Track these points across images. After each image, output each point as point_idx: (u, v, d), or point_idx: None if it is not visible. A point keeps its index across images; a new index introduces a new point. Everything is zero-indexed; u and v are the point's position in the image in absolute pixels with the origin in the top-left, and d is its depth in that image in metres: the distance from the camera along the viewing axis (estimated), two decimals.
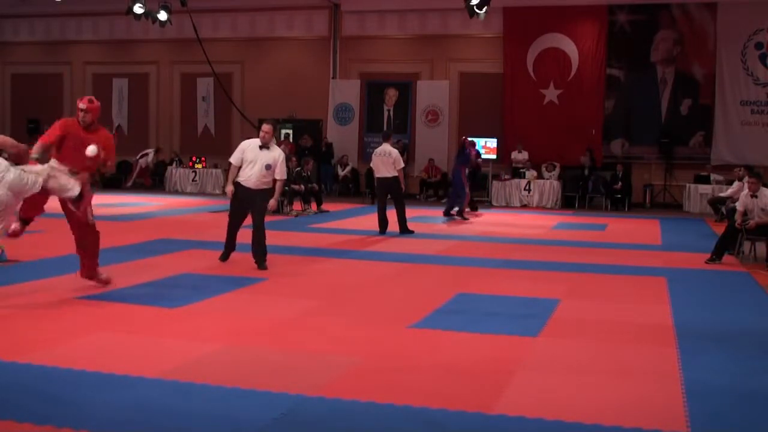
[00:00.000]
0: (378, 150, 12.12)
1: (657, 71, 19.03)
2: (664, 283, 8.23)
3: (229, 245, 8.83)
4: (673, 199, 18.73)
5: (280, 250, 9.37)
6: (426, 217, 14.73)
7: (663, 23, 18.91)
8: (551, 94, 19.56)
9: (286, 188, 15.00)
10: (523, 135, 19.31)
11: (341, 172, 20.62)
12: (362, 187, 20.41)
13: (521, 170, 18.77)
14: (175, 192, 20.37)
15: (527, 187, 18.49)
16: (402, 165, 12.03)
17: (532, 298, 7.30)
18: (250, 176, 8.46)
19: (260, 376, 4.66)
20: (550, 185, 18.48)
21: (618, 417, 4.08)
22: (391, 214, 12.02)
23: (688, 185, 18.21)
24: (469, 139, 15.99)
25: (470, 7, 15.68)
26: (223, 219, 14.09)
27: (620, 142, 19.30)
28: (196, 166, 20.81)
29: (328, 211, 15.49)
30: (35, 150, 6.61)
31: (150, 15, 18.31)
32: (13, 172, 6.08)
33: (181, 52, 22.21)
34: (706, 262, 9.73)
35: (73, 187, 6.41)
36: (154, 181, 21.67)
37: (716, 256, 9.81)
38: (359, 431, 3.90)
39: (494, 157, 19.21)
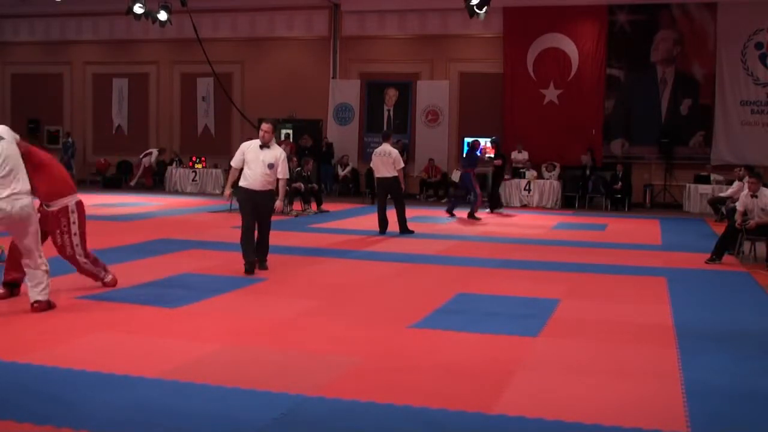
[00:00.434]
0: (378, 150, 12.11)
1: (657, 71, 19.02)
2: (664, 283, 8.23)
3: (249, 254, 8.30)
4: (673, 199, 18.73)
5: (280, 250, 9.37)
6: (426, 217, 14.73)
7: (663, 23, 18.91)
8: (551, 94, 19.56)
9: (287, 188, 15.03)
10: (523, 135, 19.31)
11: (341, 172, 20.62)
12: (362, 187, 20.41)
13: (521, 170, 18.77)
14: (175, 192, 20.37)
15: (527, 187, 18.49)
16: (402, 165, 12.02)
17: (532, 298, 7.30)
18: (254, 178, 8.26)
19: (260, 376, 4.66)
20: (550, 185, 18.48)
21: (618, 417, 4.08)
22: (391, 214, 12.02)
23: (688, 185, 18.20)
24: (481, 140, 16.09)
25: (470, 7, 15.68)
26: (223, 219, 14.20)
27: (620, 142, 19.30)
28: (196, 166, 20.81)
29: (328, 211, 15.49)
30: None
31: (150, 15, 18.30)
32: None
33: (181, 52, 22.21)
34: (706, 262, 9.73)
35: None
36: (154, 181, 21.67)
37: (716, 256, 9.81)
38: (359, 431, 3.90)
39: (493, 156, 19.15)
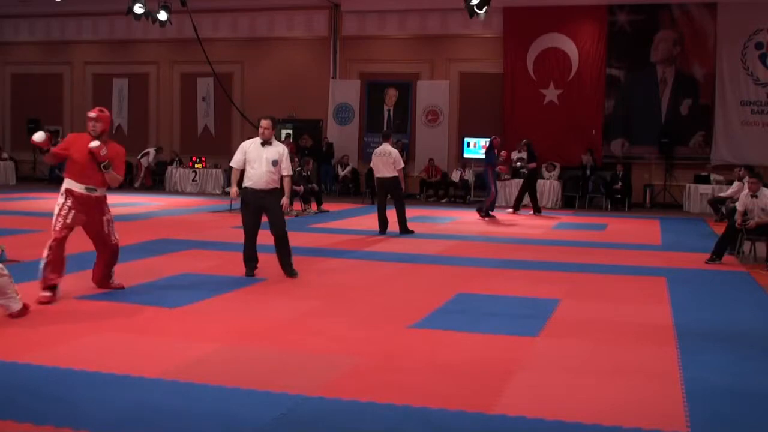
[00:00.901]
0: (378, 150, 12.11)
1: (657, 71, 19.03)
2: (664, 283, 8.23)
3: (250, 259, 8.20)
4: (673, 199, 18.73)
5: None
6: (426, 217, 14.73)
7: (663, 23, 18.91)
8: (551, 94, 19.56)
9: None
10: (523, 135, 19.30)
11: (341, 172, 20.62)
12: (362, 187, 20.40)
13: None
14: (175, 192, 20.38)
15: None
16: (402, 165, 12.02)
17: (532, 298, 7.30)
18: (259, 177, 7.97)
19: (260, 376, 4.66)
20: (550, 185, 18.48)
21: (618, 417, 4.08)
22: (391, 214, 12.02)
23: (688, 185, 18.21)
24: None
25: (470, 7, 15.68)
26: (224, 219, 14.20)
27: (620, 142, 19.30)
28: (196, 166, 20.81)
29: (328, 211, 15.49)
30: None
31: (150, 15, 18.31)
32: None
33: (181, 52, 22.22)
34: (706, 262, 9.73)
35: (12, 301, 5.91)
36: (154, 181, 21.67)
37: (716, 256, 9.81)
38: (359, 431, 3.90)
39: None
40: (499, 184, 18.67)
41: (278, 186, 8.19)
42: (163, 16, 18.49)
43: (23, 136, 23.59)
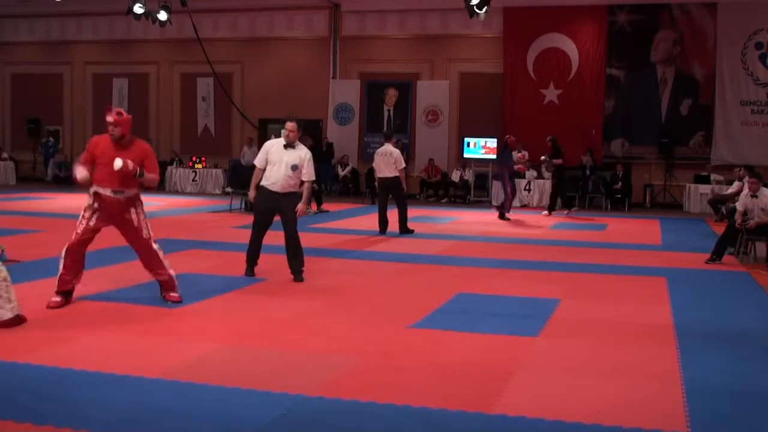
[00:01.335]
0: (380, 150, 12.12)
1: (657, 71, 19.04)
2: (664, 283, 8.23)
3: (253, 258, 8.13)
4: (673, 199, 18.74)
5: (280, 251, 9.35)
6: (426, 217, 14.73)
7: (663, 23, 18.92)
8: (551, 94, 19.57)
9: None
10: (523, 135, 19.30)
11: (341, 172, 20.63)
12: (362, 187, 20.41)
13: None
14: (175, 192, 20.38)
15: (527, 187, 18.50)
16: (403, 165, 12.01)
17: (532, 298, 7.30)
18: (277, 179, 7.80)
19: (260, 376, 4.66)
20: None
21: (618, 417, 4.08)
22: (392, 214, 12.02)
23: (688, 185, 18.22)
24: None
25: (470, 7, 15.69)
26: (224, 219, 14.21)
27: (620, 142, 19.31)
28: (196, 166, 20.82)
29: (328, 211, 15.49)
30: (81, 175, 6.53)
31: (150, 15, 18.32)
32: None
33: (181, 52, 22.23)
34: (706, 262, 9.73)
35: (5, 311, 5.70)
36: None
37: (716, 256, 9.81)
38: (359, 431, 3.90)
39: (494, 157, 19.18)
40: (498, 184, 18.72)
41: (296, 190, 8.00)
42: (163, 16, 18.50)
43: (23, 136, 23.63)
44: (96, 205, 6.47)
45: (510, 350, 5.45)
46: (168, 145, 22.78)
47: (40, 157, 23.49)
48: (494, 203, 18.57)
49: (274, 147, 7.96)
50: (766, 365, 5.23)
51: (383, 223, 12.00)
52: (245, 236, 8.74)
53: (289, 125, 7.91)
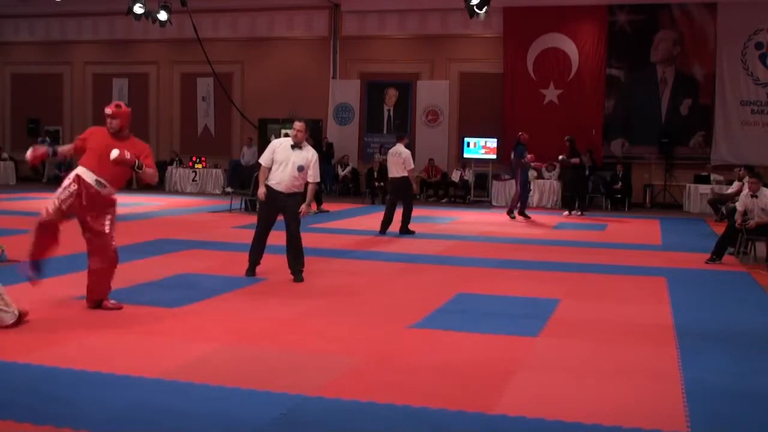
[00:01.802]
0: (391, 150, 12.20)
1: (657, 71, 19.04)
2: (664, 283, 8.23)
3: (255, 258, 8.10)
4: (673, 199, 18.73)
5: (281, 250, 9.35)
6: (426, 217, 14.72)
7: (663, 23, 18.92)
8: (551, 94, 19.57)
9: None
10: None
11: (341, 172, 20.62)
12: (362, 187, 20.41)
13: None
14: (175, 192, 20.38)
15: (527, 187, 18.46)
16: (412, 166, 11.97)
17: (532, 298, 7.30)
18: (282, 179, 7.77)
19: (260, 376, 4.66)
20: (550, 185, 18.48)
21: (618, 417, 4.08)
22: (398, 215, 12.01)
23: (688, 185, 18.22)
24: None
25: (470, 7, 15.69)
26: (224, 219, 14.20)
27: (620, 142, 19.31)
28: (196, 166, 20.81)
29: (328, 211, 15.49)
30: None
31: (150, 15, 18.32)
32: None
33: (181, 52, 22.22)
34: (706, 262, 9.73)
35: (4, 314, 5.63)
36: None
37: (716, 256, 9.81)
38: (359, 431, 3.90)
39: (494, 157, 19.21)
40: (498, 184, 18.73)
41: (301, 190, 7.95)
42: (163, 16, 18.50)
43: (23, 136, 23.60)
44: (74, 188, 6.12)
45: (510, 350, 5.45)
46: (168, 145, 22.78)
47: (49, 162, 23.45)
48: (494, 203, 18.61)
49: (281, 146, 7.91)
50: (766, 365, 5.23)
51: (386, 222, 11.97)
52: (245, 236, 8.75)
53: (298, 125, 7.83)
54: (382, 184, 18.60)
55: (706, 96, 18.69)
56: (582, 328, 6.14)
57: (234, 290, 7.35)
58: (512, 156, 15.51)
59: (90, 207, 6.19)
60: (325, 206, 15.77)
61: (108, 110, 6.29)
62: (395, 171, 11.98)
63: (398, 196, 12.05)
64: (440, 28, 20.54)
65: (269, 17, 21.89)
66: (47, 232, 6.21)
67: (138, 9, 17.76)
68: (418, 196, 19.62)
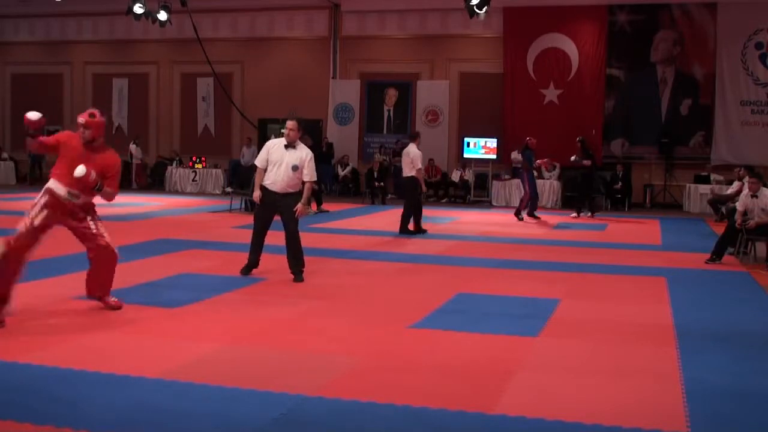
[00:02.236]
0: (404, 150, 12.27)
1: (657, 71, 19.04)
2: (664, 283, 8.23)
3: (253, 258, 8.09)
4: (673, 199, 18.73)
5: (281, 250, 9.35)
6: (426, 217, 14.66)
7: (663, 23, 18.92)
8: (551, 94, 19.57)
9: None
10: (523, 135, 19.26)
11: (341, 172, 20.62)
12: (362, 187, 20.41)
13: (521, 170, 18.74)
14: (175, 192, 20.38)
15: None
16: (419, 166, 11.96)
17: (532, 298, 7.30)
18: (276, 179, 7.78)
19: (260, 376, 4.66)
20: (550, 185, 18.48)
21: (618, 417, 4.08)
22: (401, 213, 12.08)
23: (688, 185, 18.22)
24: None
25: (470, 7, 15.69)
26: (224, 219, 14.20)
27: (620, 142, 19.31)
28: (196, 166, 20.81)
29: (328, 211, 15.49)
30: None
31: (150, 15, 18.32)
32: None
33: (181, 52, 22.23)
34: (706, 262, 9.73)
35: None
36: (153, 180, 21.65)
37: (716, 256, 9.81)
38: (359, 431, 3.90)
39: (494, 157, 19.21)
40: (498, 184, 18.73)
41: (297, 190, 7.94)
42: (163, 16, 18.50)
43: (23, 136, 23.61)
44: (45, 200, 5.96)
45: (510, 350, 5.45)
46: (168, 145, 22.79)
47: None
48: (494, 203, 18.61)
49: (275, 147, 7.91)
50: (766, 365, 5.23)
51: (414, 222, 12.04)
52: (245, 236, 8.75)
53: (290, 124, 7.85)
54: (382, 184, 18.62)
55: (706, 96, 18.69)
56: (582, 328, 6.14)
57: (234, 290, 7.35)
58: (521, 159, 15.51)
59: (67, 214, 6.07)
60: (325, 206, 15.77)
61: (80, 119, 6.02)
62: (406, 170, 12.07)
63: (405, 195, 12.13)
64: (440, 28, 20.54)
65: (269, 17, 21.89)
66: (8, 266, 5.80)
67: (138, 9, 17.77)
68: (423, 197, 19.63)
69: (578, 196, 16.36)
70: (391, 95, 21.18)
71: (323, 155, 20.43)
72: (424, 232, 12.10)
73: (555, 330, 6.07)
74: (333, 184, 20.63)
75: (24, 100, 24.03)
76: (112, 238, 6.28)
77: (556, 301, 7.11)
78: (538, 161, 15.60)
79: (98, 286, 6.32)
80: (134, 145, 21.43)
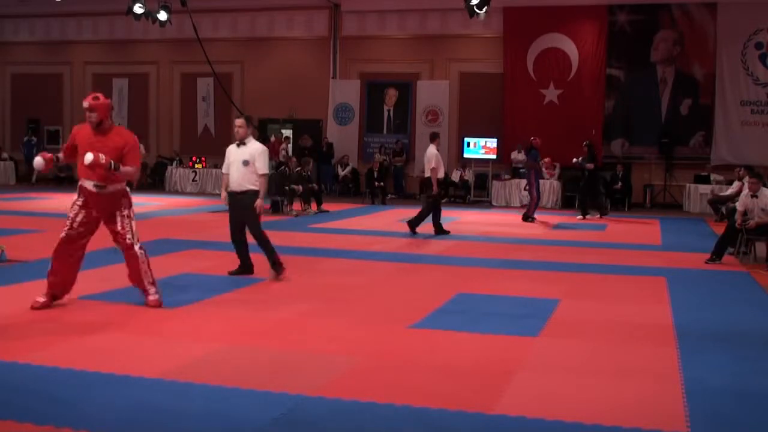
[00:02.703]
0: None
1: (657, 71, 19.03)
2: (664, 283, 8.23)
3: (242, 260, 8.14)
4: (673, 199, 18.73)
5: (280, 251, 9.33)
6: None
7: (663, 23, 18.92)
8: (551, 94, 19.56)
9: (287, 188, 15.01)
10: (523, 135, 19.30)
11: (341, 172, 20.62)
12: (362, 187, 20.41)
13: (521, 170, 18.76)
14: (175, 192, 20.38)
15: (527, 187, 18.46)
16: (432, 165, 11.93)
17: (532, 298, 7.30)
18: (232, 178, 7.88)
19: (260, 376, 4.66)
20: (550, 185, 18.48)
21: (618, 417, 4.08)
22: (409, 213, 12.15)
23: (688, 185, 18.22)
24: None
25: (470, 7, 15.68)
26: (224, 219, 14.10)
27: (620, 142, 19.31)
28: (196, 166, 20.82)
29: (328, 211, 15.49)
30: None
31: (150, 15, 18.31)
32: None
33: (181, 52, 22.22)
34: (706, 262, 9.73)
35: None
36: (153, 180, 21.65)
37: (716, 256, 9.81)
38: (359, 431, 3.90)
39: (494, 157, 19.21)
40: (498, 184, 18.72)
41: (254, 187, 7.92)
42: (163, 16, 18.49)
43: (23, 136, 23.61)
44: (81, 200, 6.26)
45: (510, 350, 5.45)
46: (168, 145, 22.78)
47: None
48: (494, 203, 18.61)
49: (230, 149, 8.05)
50: (766, 365, 5.23)
51: (434, 223, 12.08)
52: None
53: (238, 121, 7.97)
54: (382, 184, 18.62)
55: (706, 96, 18.69)
56: (582, 328, 6.14)
57: (234, 290, 7.36)
58: (524, 159, 15.49)
59: (101, 212, 6.32)
60: (325, 206, 15.77)
61: (85, 103, 6.11)
62: (426, 171, 12.16)
63: (424, 195, 12.22)
64: (440, 28, 20.53)
65: (269, 17, 21.89)
66: (63, 254, 6.24)
67: (138, 9, 17.76)
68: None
69: (583, 198, 16.30)
70: (391, 95, 21.18)
71: (323, 155, 20.45)
72: (446, 233, 12.10)
73: (555, 330, 6.07)
74: (333, 184, 20.64)
75: (24, 100, 24.06)
76: (139, 236, 6.49)
77: (556, 301, 7.12)
78: (544, 160, 15.55)
79: (134, 280, 6.54)
80: None
